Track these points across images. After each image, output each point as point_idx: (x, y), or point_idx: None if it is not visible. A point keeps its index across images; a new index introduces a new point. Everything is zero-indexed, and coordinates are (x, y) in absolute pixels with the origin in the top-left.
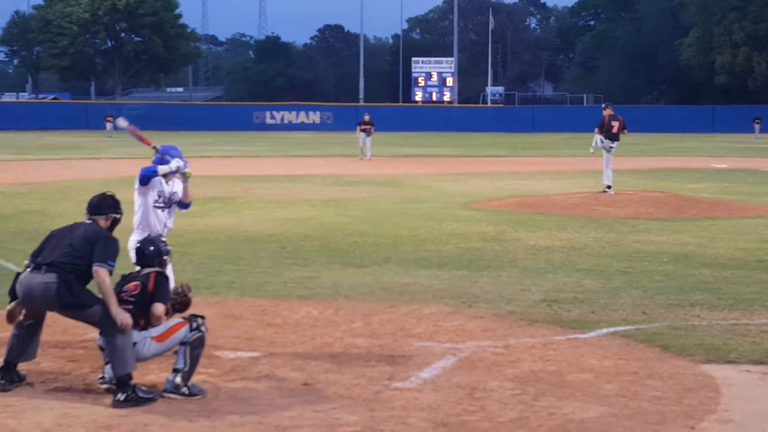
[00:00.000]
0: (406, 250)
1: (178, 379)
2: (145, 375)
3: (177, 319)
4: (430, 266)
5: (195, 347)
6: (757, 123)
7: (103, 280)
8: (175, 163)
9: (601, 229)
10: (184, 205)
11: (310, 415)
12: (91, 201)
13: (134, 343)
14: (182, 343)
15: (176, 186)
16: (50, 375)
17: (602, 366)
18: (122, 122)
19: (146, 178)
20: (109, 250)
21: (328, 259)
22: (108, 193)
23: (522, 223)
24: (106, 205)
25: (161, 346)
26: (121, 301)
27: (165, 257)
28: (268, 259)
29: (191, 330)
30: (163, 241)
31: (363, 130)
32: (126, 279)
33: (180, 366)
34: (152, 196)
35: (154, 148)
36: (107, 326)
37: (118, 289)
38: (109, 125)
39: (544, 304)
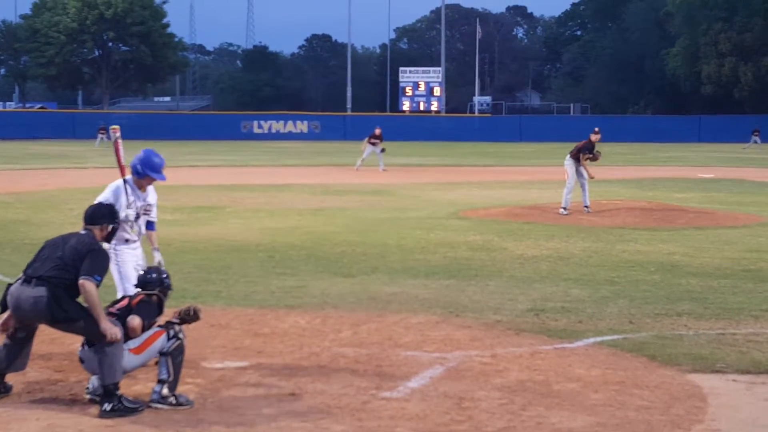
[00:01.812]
0: (393, 260)
1: (165, 390)
2: (132, 385)
3: (154, 328)
4: (417, 275)
5: (176, 356)
6: (756, 135)
7: (90, 293)
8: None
9: (588, 238)
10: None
11: (297, 425)
12: (86, 211)
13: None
14: (162, 354)
15: (150, 198)
16: (36, 385)
17: (589, 375)
18: (116, 133)
19: None
20: (96, 264)
21: (315, 269)
22: (104, 203)
23: (509, 233)
24: (101, 215)
25: (140, 358)
26: (109, 314)
27: (167, 290)
28: (255, 269)
29: (169, 338)
30: (166, 275)
31: (372, 143)
32: (121, 298)
33: (164, 377)
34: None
35: (125, 180)
36: (97, 337)
37: (111, 304)
38: (99, 138)
39: (531, 314)
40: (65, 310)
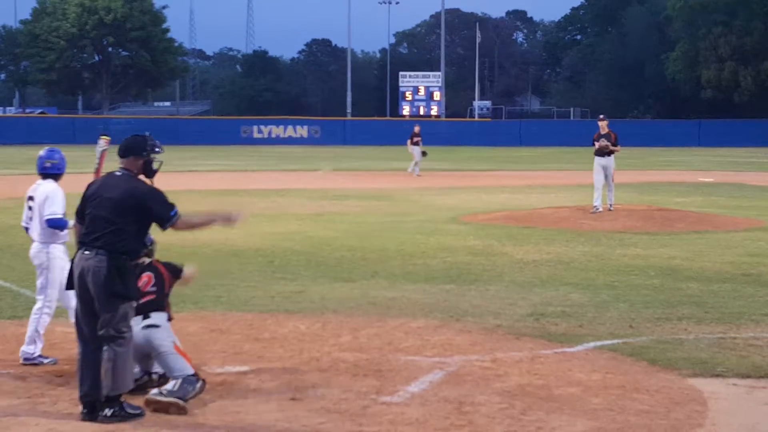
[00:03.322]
0: (393, 265)
1: (168, 386)
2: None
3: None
4: (417, 280)
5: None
6: None
7: (186, 222)
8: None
9: (588, 242)
10: None
11: (297, 429)
12: (124, 143)
13: (159, 325)
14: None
15: None
16: (37, 390)
17: (590, 380)
18: (103, 144)
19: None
20: (163, 204)
21: (315, 274)
22: (146, 134)
23: (509, 237)
24: (139, 147)
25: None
26: (145, 294)
27: (150, 246)
28: (255, 274)
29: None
30: (148, 134)
31: (415, 143)
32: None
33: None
34: None
35: None
36: (123, 339)
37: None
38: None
39: (531, 318)
40: (125, 284)
